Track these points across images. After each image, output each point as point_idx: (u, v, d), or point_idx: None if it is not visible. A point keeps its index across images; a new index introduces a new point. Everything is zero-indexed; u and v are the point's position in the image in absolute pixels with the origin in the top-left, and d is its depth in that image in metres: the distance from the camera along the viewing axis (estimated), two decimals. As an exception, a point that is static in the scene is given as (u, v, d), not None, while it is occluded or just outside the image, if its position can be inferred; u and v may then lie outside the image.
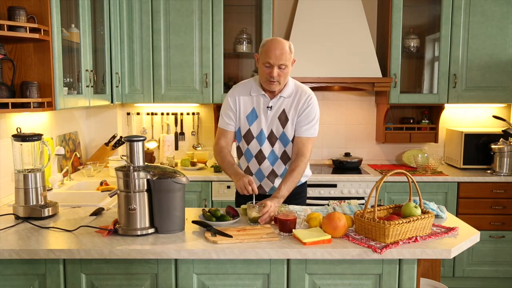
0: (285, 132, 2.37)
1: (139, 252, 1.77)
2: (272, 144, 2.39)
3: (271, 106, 2.37)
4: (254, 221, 2.10)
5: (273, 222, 2.08)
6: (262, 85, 2.37)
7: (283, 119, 2.36)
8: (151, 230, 1.93)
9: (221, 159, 2.39)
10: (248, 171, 2.45)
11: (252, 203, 2.15)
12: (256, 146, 2.40)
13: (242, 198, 2.54)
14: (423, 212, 1.93)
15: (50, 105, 2.46)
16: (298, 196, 2.52)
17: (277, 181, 2.43)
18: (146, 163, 1.99)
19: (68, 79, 2.73)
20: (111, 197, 2.05)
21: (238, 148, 2.49)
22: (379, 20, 3.94)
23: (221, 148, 2.41)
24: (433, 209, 2.18)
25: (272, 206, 2.13)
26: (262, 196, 2.45)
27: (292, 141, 2.38)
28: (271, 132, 2.38)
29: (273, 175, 2.43)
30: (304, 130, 2.36)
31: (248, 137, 2.40)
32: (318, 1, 3.68)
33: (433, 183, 3.46)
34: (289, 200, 2.43)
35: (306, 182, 2.58)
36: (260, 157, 2.40)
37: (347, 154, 3.91)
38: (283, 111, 2.36)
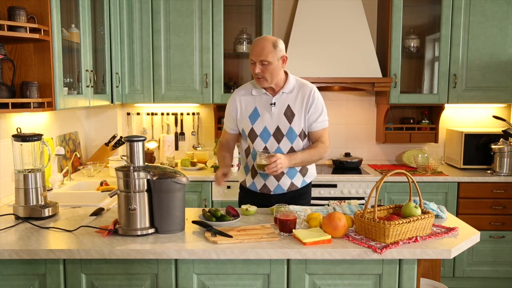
0: (292, 128, 2.37)
1: (139, 252, 1.77)
2: (278, 141, 2.39)
3: (275, 103, 2.38)
4: (261, 168, 2.20)
5: (273, 222, 2.09)
6: None
7: (289, 114, 2.37)
8: (151, 230, 1.93)
9: (218, 153, 2.60)
10: (254, 169, 2.45)
11: (263, 152, 2.27)
12: (261, 144, 2.40)
13: (245, 198, 2.54)
14: (423, 212, 1.93)
15: (50, 105, 2.46)
16: (303, 196, 2.52)
17: (283, 180, 2.42)
18: (146, 163, 1.99)
19: (68, 79, 2.73)
20: (111, 197, 2.05)
21: (246, 148, 2.50)
22: (379, 20, 3.94)
23: (221, 144, 2.61)
24: (433, 209, 2.18)
25: (282, 159, 2.21)
26: (266, 195, 2.46)
27: (300, 136, 2.39)
28: (277, 129, 2.38)
29: (280, 173, 2.41)
30: (318, 123, 2.41)
31: (252, 136, 2.41)
32: (318, 1, 3.68)
33: (433, 183, 3.46)
34: (295, 200, 2.44)
35: (311, 182, 2.58)
36: None
37: (347, 154, 3.91)
38: (288, 106, 2.38)
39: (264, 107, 2.40)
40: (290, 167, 2.36)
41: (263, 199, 2.46)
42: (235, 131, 2.52)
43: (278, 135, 2.38)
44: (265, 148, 2.39)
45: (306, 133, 2.43)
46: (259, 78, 2.33)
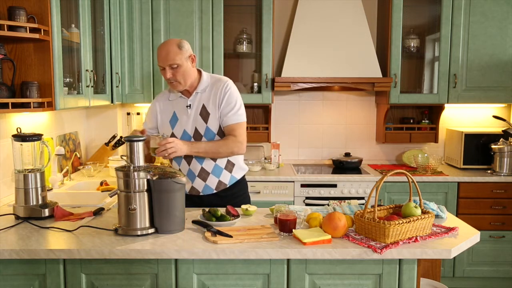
0: (209, 127, 2.37)
1: (139, 252, 1.77)
2: None
3: (190, 105, 2.38)
4: (153, 152, 2.20)
5: (273, 222, 2.09)
6: None
7: (205, 114, 2.37)
8: (151, 230, 1.93)
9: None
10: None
11: (158, 134, 2.25)
12: None
13: (188, 200, 2.48)
14: (423, 212, 1.93)
15: (50, 105, 2.46)
16: (237, 194, 2.50)
17: (210, 179, 2.41)
18: (146, 163, 1.99)
19: (68, 79, 2.73)
20: (111, 197, 2.05)
21: None
22: (379, 20, 3.94)
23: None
24: (433, 209, 2.18)
25: (176, 143, 2.18)
26: (196, 197, 2.46)
27: (218, 134, 2.37)
28: (196, 130, 2.38)
29: (204, 173, 2.41)
30: (230, 117, 2.35)
31: None
32: (318, 1, 3.68)
33: (433, 183, 3.46)
34: (229, 200, 2.42)
35: (244, 178, 2.55)
36: (188, 157, 2.40)
37: (347, 154, 3.91)
38: (203, 106, 2.37)
39: (181, 110, 2.40)
40: (192, 154, 2.32)
41: (195, 201, 2.45)
42: (153, 130, 2.49)
43: (197, 136, 2.37)
44: (158, 133, 2.39)
45: None
46: (172, 83, 2.32)
